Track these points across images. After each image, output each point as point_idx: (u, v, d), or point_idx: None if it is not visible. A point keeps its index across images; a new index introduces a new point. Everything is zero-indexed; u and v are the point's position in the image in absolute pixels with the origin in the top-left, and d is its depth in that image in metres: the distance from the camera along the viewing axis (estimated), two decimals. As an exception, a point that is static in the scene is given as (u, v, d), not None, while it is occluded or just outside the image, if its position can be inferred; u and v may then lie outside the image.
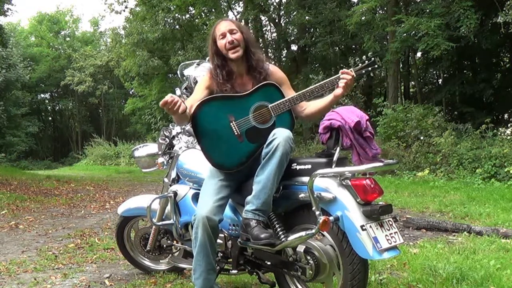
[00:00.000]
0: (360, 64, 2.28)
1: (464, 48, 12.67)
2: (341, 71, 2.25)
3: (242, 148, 2.33)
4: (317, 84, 2.28)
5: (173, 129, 3.11)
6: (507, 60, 15.47)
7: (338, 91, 2.26)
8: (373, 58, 2.26)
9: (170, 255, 3.16)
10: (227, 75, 2.40)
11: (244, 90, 2.38)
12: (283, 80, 2.47)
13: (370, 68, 2.26)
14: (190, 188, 2.80)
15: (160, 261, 3.37)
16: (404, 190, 7.77)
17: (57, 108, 39.65)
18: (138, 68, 19.84)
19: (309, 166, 2.22)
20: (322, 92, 2.30)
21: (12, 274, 3.44)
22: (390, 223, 2.13)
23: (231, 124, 2.33)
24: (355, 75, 2.25)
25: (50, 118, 41.00)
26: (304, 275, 2.27)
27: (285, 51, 20.05)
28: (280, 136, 2.18)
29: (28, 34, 38.12)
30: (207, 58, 3.02)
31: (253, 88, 2.34)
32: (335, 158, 2.17)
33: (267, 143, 2.21)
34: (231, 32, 2.37)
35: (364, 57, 2.30)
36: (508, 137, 9.56)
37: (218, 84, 2.40)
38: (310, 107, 2.41)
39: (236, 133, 2.32)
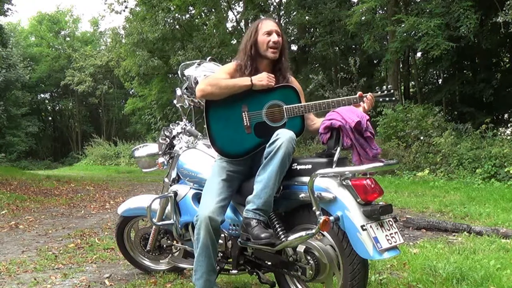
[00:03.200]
0: (379, 92, 2.44)
1: (464, 48, 12.68)
2: (359, 93, 2.38)
3: (247, 140, 2.36)
4: (334, 99, 2.38)
5: (174, 129, 3.11)
6: (507, 60, 15.48)
7: None
8: (392, 91, 2.44)
9: (170, 255, 3.16)
10: (254, 71, 2.41)
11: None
12: (300, 90, 2.51)
13: (387, 99, 2.44)
14: (191, 188, 2.80)
15: (160, 261, 3.37)
16: (404, 190, 7.77)
17: (57, 108, 39.66)
18: (138, 68, 19.82)
19: (310, 166, 2.23)
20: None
21: (12, 274, 3.44)
22: (390, 223, 2.13)
23: (243, 114, 2.36)
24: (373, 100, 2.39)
25: (50, 118, 40.99)
26: (304, 275, 2.27)
27: (285, 51, 20.01)
28: (283, 136, 2.19)
29: (28, 34, 38.12)
30: (208, 58, 3.03)
31: (275, 86, 2.37)
32: (335, 158, 2.17)
33: (269, 142, 2.23)
34: (277, 34, 2.41)
35: (384, 87, 2.47)
36: (508, 137, 9.57)
37: (242, 76, 2.40)
38: (319, 123, 2.43)
39: (245, 123, 2.36)
